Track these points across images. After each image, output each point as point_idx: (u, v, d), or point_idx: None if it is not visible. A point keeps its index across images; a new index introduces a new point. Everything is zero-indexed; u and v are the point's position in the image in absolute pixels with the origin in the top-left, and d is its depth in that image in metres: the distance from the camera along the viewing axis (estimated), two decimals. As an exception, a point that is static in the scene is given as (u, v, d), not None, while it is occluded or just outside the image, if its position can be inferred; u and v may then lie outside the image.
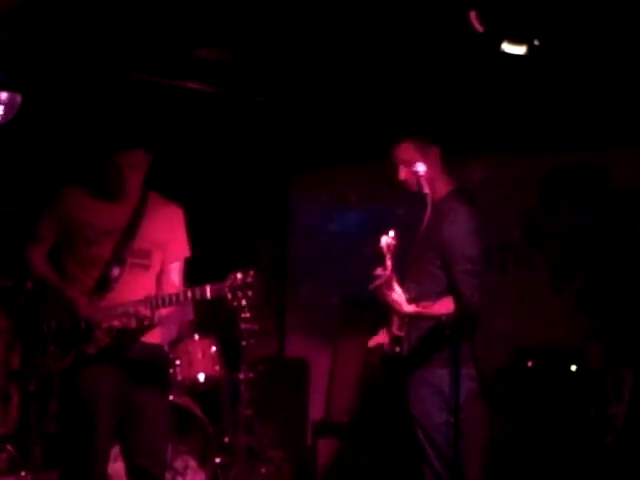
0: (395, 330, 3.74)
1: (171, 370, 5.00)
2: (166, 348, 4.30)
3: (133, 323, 3.65)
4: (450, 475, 3.63)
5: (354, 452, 5.27)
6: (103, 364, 3.68)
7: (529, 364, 4.75)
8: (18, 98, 5.07)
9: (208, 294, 3.61)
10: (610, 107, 4.95)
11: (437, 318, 3.62)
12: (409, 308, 3.69)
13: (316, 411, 5.90)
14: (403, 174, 3.88)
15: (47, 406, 5.14)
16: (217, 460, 5.13)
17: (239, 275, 3.58)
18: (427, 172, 3.62)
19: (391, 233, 3.64)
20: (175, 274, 3.89)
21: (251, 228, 6.38)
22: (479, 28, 3.31)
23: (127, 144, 3.76)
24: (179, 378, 5.13)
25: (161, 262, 3.88)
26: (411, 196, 3.87)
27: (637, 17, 3.81)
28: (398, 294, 3.67)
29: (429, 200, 3.55)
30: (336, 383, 5.79)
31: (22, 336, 5.10)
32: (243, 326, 5.17)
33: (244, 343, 5.21)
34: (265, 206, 6.44)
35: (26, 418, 5.26)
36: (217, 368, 5.30)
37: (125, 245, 3.78)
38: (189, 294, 3.67)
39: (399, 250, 3.73)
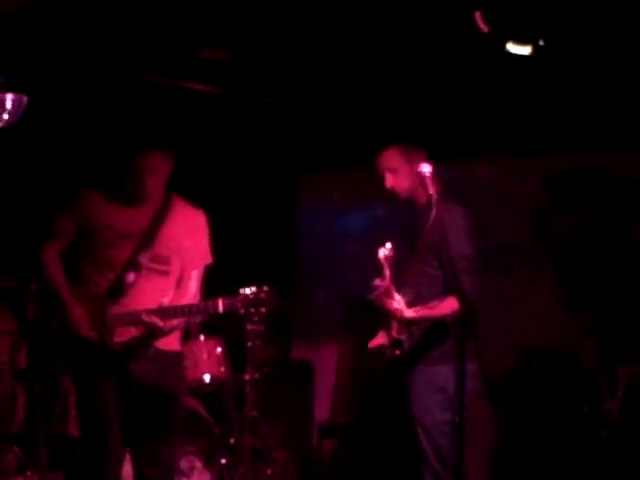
0: (395, 333, 3.77)
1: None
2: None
3: (144, 331, 3.58)
4: (451, 477, 3.62)
5: (358, 453, 5.27)
6: (114, 370, 3.62)
7: (535, 366, 4.73)
8: (24, 99, 5.08)
9: (220, 308, 3.53)
10: (619, 107, 4.94)
11: (441, 319, 3.63)
12: (410, 314, 3.73)
13: (322, 412, 5.90)
14: (389, 182, 3.92)
15: (53, 407, 5.16)
16: (223, 461, 5.14)
17: (253, 290, 3.49)
18: (431, 173, 3.60)
19: (388, 245, 3.73)
20: (193, 282, 3.76)
21: (258, 230, 6.37)
22: (484, 28, 3.31)
23: (141, 146, 3.67)
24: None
25: (181, 268, 3.76)
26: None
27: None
28: (398, 301, 3.73)
29: (434, 201, 3.53)
30: (340, 384, 5.79)
31: (32, 337, 5.16)
32: (249, 327, 5.16)
33: (250, 344, 5.21)
34: (271, 207, 6.43)
35: (32, 419, 5.26)
36: (222, 369, 5.32)
37: (143, 249, 3.68)
38: (202, 307, 3.61)
39: (398, 253, 3.78)
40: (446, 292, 3.70)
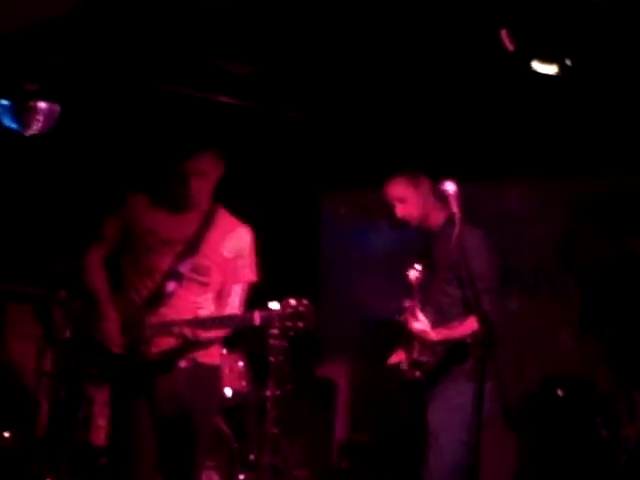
0: (416, 354, 3.73)
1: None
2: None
3: (179, 342, 3.48)
4: None
5: (378, 473, 5.22)
6: (147, 381, 3.51)
7: (559, 393, 4.67)
8: (57, 108, 5.16)
9: (257, 321, 3.40)
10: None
11: (462, 340, 3.61)
12: (435, 336, 3.71)
13: (342, 431, 5.86)
14: (400, 211, 3.94)
15: (76, 414, 5.18)
16: (241, 477, 5.12)
17: (292, 303, 3.35)
18: (455, 192, 3.58)
19: (418, 266, 3.70)
20: (234, 297, 3.62)
21: (282, 246, 6.38)
22: (510, 47, 3.29)
23: (190, 149, 3.54)
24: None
25: (221, 282, 3.64)
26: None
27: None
28: (424, 324, 3.71)
29: (457, 220, 3.51)
30: (358, 403, 5.76)
31: (59, 344, 5.19)
32: (272, 342, 5.15)
33: (272, 360, 5.19)
34: (295, 223, 6.43)
35: (55, 425, 5.29)
36: (244, 384, 5.31)
37: (185, 258, 3.56)
38: (237, 319, 3.51)
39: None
40: (467, 311, 3.67)
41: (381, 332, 5.62)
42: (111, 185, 5.13)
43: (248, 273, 3.69)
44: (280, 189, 6.30)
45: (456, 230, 3.49)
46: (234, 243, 3.67)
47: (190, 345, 3.49)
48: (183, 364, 3.55)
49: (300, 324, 3.31)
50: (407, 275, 3.74)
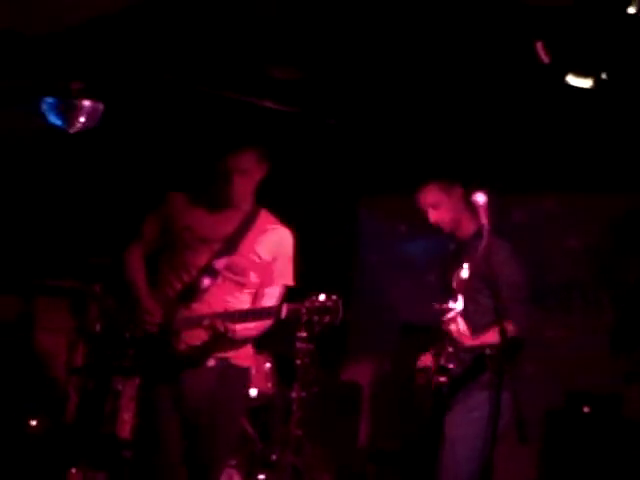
0: (444, 361, 3.74)
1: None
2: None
3: (210, 337, 3.46)
4: None
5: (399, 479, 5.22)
6: (176, 374, 3.51)
7: (585, 409, 4.63)
8: (100, 107, 5.24)
9: (284, 313, 3.37)
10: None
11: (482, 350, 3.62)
12: (471, 342, 3.71)
13: (366, 435, 5.87)
14: (432, 217, 3.99)
15: (103, 407, 5.25)
16: (261, 477, 5.13)
17: (321, 297, 3.31)
18: (485, 203, 3.58)
19: (465, 269, 3.65)
20: (269, 301, 3.58)
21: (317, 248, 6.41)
22: (545, 59, 3.28)
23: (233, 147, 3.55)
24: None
25: (259, 284, 3.61)
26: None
27: None
28: (464, 327, 3.69)
29: (486, 231, 3.52)
30: (383, 408, 5.76)
31: (92, 337, 5.27)
32: (299, 345, 5.17)
33: (299, 362, 5.20)
34: (333, 227, 6.46)
35: (82, 417, 5.37)
36: (270, 385, 5.33)
37: (221, 256, 3.55)
38: (263, 311, 3.48)
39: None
40: (496, 321, 3.66)
41: (410, 336, 5.65)
42: (151, 182, 5.21)
43: (285, 277, 3.66)
44: (321, 194, 6.34)
45: (484, 242, 3.50)
46: (272, 244, 3.64)
47: (220, 339, 3.45)
48: (212, 362, 3.55)
49: (326, 318, 3.28)
50: (454, 276, 3.68)
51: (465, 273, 3.64)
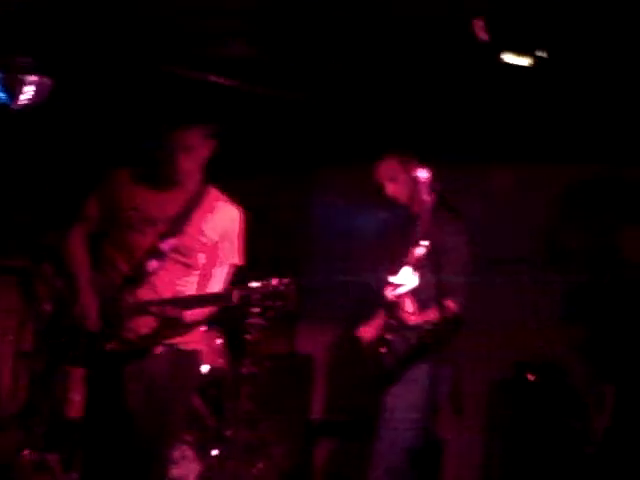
0: (385, 331, 3.79)
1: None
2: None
3: (157, 323, 3.42)
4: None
5: (352, 451, 5.28)
6: (124, 364, 3.46)
7: (529, 377, 4.71)
8: (47, 82, 5.14)
9: (235, 300, 3.30)
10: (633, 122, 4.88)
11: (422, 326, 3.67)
12: (415, 320, 3.74)
13: (320, 407, 5.91)
14: (390, 190, 4.03)
15: (53, 388, 5.21)
16: (214, 452, 5.15)
17: (273, 282, 3.25)
18: (427, 179, 3.61)
19: (424, 243, 3.66)
20: (216, 281, 3.54)
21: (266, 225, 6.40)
22: (484, 37, 3.29)
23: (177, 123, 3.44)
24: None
25: (204, 265, 3.55)
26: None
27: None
28: (411, 307, 3.76)
29: (427, 208, 3.54)
30: (337, 380, 5.81)
31: (41, 320, 5.20)
32: (250, 320, 5.18)
33: (249, 337, 5.22)
34: (284, 197, 6.44)
35: (32, 399, 5.33)
36: (221, 361, 5.34)
37: (167, 238, 3.46)
38: (213, 297, 3.42)
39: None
40: (438, 297, 3.70)
41: (360, 308, 5.68)
42: (98, 159, 5.13)
43: (233, 256, 3.60)
44: (273, 168, 6.31)
45: (424, 218, 3.53)
46: (220, 223, 3.57)
47: (170, 326, 3.42)
48: (160, 349, 3.49)
49: (279, 303, 3.23)
50: (409, 252, 3.71)
51: (421, 250, 3.67)
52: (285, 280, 3.26)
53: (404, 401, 3.80)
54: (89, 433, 3.67)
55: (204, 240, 3.54)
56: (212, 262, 3.56)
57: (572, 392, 4.20)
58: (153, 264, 3.47)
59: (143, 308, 3.41)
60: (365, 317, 4.20)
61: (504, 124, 5.26)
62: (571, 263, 5.18)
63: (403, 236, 3.95)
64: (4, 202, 5.88)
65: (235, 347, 5.36)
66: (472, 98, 5.01)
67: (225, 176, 3.65)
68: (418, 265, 3.68)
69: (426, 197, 3.57)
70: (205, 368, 5.24)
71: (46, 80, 5.11)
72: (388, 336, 3.81)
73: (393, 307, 3.80)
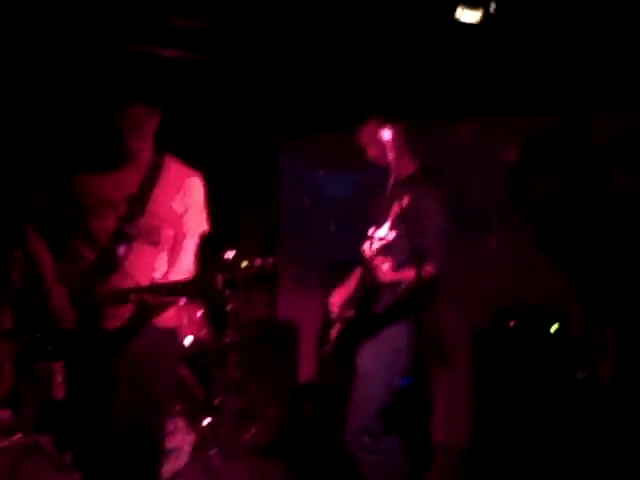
0: (357, 293, 3.81)
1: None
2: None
3: (136, 310, 3.37)
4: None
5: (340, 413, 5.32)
6: (105, 353, 3.44)
7: (510, 324, 4.74)
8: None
9: (219, 285, 3.25)
10: (595, 69, 4.87)
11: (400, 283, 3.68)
12: (389, 276, 3.74)
13: (309, 370, 5.95)
14: (372, 152, 3.98)
15: (37, 371, 5.21)
16: (205, 421, 5.20)
17: (257, 263, 3.22)
18: (391, 141, 3.60)
19: (406, 199, 3.65)
20: (187, 254, 3.52)
21: (238, 193, 6.38)
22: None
23: (121, 103, 3.35)
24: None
25: (173, 238, 3.52)
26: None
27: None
28: (387, 264, 3.73)
29: (393, 168, 3.55)
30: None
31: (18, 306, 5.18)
32: (227, 291, 5.18)
33: (229, 308, 5.26)
34: (252, 171, 6.43)
35: (17, 382, 5.34)
36: (204, 331, 5.37)
37: (131, 219, 3.42)
38: (197, 284, 3.32)
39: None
40: (415, 260, 3.70)
41: (336, 272, 5.70)
42: (50, 142, 5.06)
43: (200, 224, 3.58)
44: (239, 139, 6.26)
45: (391, 179, 3.53)
46: (182, 194, 3.51)
47: (148, 312, 3.39)
48: (140, 330, 3.44)
49: (265, 283, 3.25)
50: (391, 208, 3.70)
51: (398, 208, 3.66)
52: (269, 260, 3.25)
53: (379, 360, 3.83)
54: (76, 414, 3.65)
55: (169, 215, 3.50)
56: (179, 235, 3.53)
57: (571, 340, 4.20)
58: (122, 249, 3.42)
59: (120, 297, 3.36)
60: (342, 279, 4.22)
61: (467, 79, 5.25)
62: (536, 206, 5.20)
63: (381, 197, 3.93)
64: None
65: (216, 317, 5.39)
66: (432, 56, 4.99)
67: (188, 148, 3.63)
68: (394, 223, 3.67)
69: (391, 158, 3.58)
70: (188, 340, 5.28)
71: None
72: (357, 298, 3.83)
73: (369, 264, 3.79)
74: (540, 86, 5.09)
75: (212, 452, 5.05)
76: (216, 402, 5.37)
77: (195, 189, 3.57)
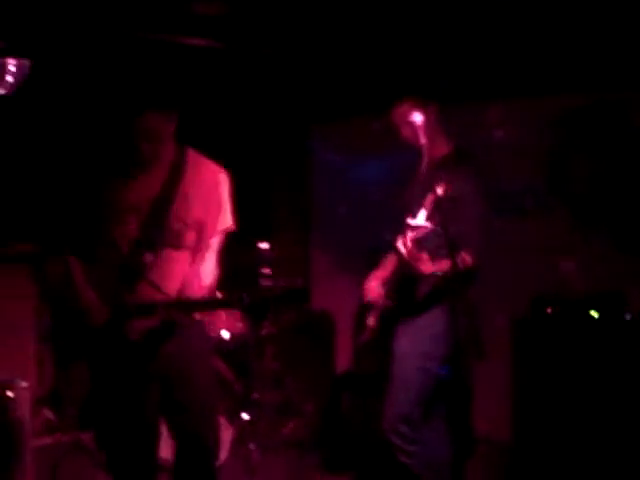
0: (393, 284, 3.77)
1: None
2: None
3: (163, 325, 3.31)
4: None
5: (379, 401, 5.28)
6: (136, 360, 3.41)
7: (548, 311, 4.66)
8: (27, 63, 5.07)
9: (245, 302, 3.17)
10: (626, 48, 4.77)
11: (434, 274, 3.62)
12: (429, 268, 3.67)
13: (344, 363, 5.92)
14: (405, 132, 3.91)
15: (70, 370, 5.23)
16: (245, 416, 5.19)
17: (283, 284, 3.33)
18: (424, 123, 3.54)
19: (442, 185, 3.52)
20: (210, 255, 3.45)
21: (270, 180, 6.37)
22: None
23: (138, 108, 3.27)
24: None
25: (196, 240, 3.44)
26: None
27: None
28: (424, 254, 3.65)
29: (425, 151, 3.50)
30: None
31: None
32: (263, 283, 5.18)
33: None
34: (284, 158, 6.40)
35: (57, 381, 5.37)
36: (240, 325, 5.36)
37: (154, 224, 3.36)
38: (223, 302, 3.26)
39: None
40: (452, 249, 3.63)
41: (373, 260, 5.64)
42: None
43: (224, 221, 3.50)
44: (271, 126, 6.24)
45: (423, 162, 3.48)
46: (209, 195, 3.45)
47: (176, 323, 3.32)
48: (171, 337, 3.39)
49: (293, 305, 3.21)
50: (427, 193, 3.61)
51: (433, 195, 3.56)
52: (297, 281, 3.20)
53: (416, 347, 3.78)
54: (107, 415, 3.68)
55: (192, 216, 3.43)
56: (203, 234, 3.47)
57: (594, 321, 4.11)
58: (148, 257, 3.36)
59: (148, 310, 3.30)
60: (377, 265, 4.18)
61: (496, 60, 5.17)
62: (577, 190, 5.10)
63: (415, 180, 3.87)
64: (8, 189, 5.86)
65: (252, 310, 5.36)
66: (463, 35, 4.93)
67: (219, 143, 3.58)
68: (430, 211, 3.60)
69: (424, 141, 3.52)
70: (226, 335, 5.27)
71: (25, 62, 5.03)
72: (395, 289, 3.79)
73: (407, 256, 3.72)
74: (571, 65, 5.00)
75: (251, 447, 5.04)
76: (254, 397, 5.36)
77: (219, 185, 3.50)
